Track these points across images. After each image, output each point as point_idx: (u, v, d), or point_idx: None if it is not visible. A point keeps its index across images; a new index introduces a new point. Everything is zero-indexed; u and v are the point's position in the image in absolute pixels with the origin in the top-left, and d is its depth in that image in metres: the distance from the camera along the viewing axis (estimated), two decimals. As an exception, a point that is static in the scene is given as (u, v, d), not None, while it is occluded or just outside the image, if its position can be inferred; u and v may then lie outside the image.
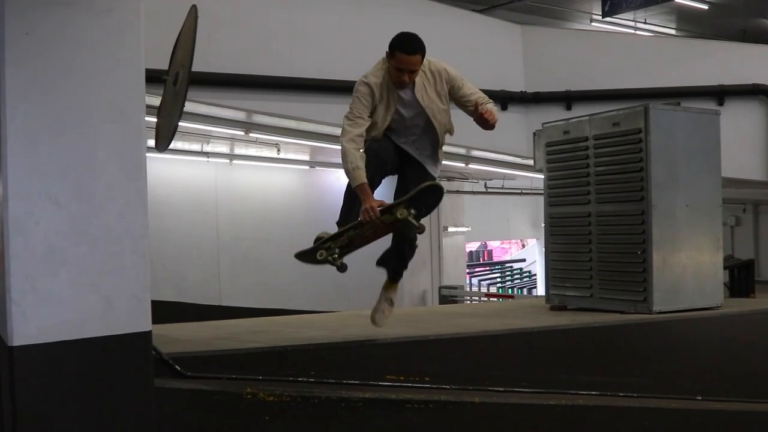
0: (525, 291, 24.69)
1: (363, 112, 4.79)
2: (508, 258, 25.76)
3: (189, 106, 8.34)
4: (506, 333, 5.92)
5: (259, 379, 4.74)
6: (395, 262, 5.21)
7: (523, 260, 25.32)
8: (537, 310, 7.73)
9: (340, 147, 4.73)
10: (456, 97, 4.97)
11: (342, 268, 4.81)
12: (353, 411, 4.78)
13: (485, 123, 4.83)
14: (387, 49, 4.80)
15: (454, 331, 5.80)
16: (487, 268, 25.43)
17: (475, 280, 23.71)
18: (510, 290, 24.76)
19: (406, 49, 4.73)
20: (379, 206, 4.63)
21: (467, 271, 21.52)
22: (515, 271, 25.41)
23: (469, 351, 5.51)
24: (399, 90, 4.87)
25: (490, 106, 4.92)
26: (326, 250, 4.77)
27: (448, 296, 14.81)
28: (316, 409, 4.72)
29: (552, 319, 6.75)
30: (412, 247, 5.11)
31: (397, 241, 5.11)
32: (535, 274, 24.49)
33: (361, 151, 4.74)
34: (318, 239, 4.86)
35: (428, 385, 4.72)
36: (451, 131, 5.10)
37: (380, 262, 5.24)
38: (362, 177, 4.65)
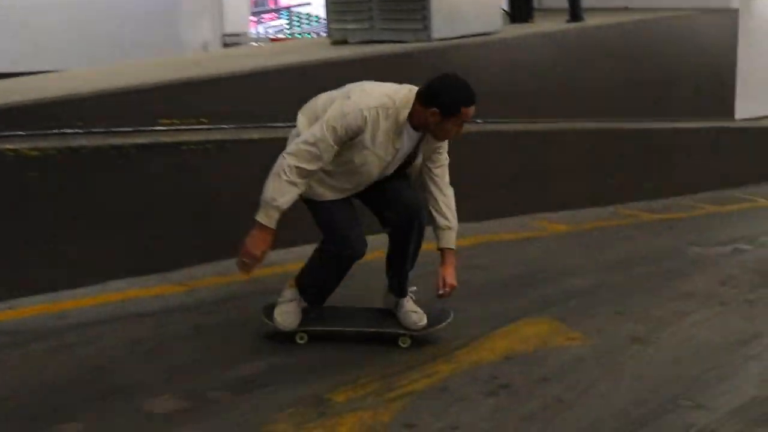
0: (314, 36, 24.38)
1: (332, 150, 3.55)
2: (294, 3, 25.14)
3: None
4: (280, 68, 5.77)
5: (21, 135, 4.43)
6: (399, 269, 3.99)
7: (309, 3, 24.80)
8: (319, 47, 7.62)
9: (281, 166, 3.51)
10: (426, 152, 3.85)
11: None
12: (126, 158, 4.58)
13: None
14: (429, 104, 3.56)
15: (229, 70, 5.57)
16: (274, 15, 24.76)
17: (261, 28, 23.07)
18: (299, 36, 24.36)
19: (471, 101, 3.62)
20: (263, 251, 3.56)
21: (253, 19, 20.89)
22: (303, 16, 24.93)
23: (246, 90, 5.33)
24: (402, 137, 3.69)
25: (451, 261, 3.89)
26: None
27: (232, 45, 14.38)
28: (86, 159, 4.49)
29: (331, 53, 6.64)
30: (420, 235, 3.89)
31: (398, 236, 3.88)
32: (324, 18, 24.21)
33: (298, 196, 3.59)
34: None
35: (205, 126, 4.55)
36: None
37: (391, 286, 4.06)
38: (274, 223, 3.53)
